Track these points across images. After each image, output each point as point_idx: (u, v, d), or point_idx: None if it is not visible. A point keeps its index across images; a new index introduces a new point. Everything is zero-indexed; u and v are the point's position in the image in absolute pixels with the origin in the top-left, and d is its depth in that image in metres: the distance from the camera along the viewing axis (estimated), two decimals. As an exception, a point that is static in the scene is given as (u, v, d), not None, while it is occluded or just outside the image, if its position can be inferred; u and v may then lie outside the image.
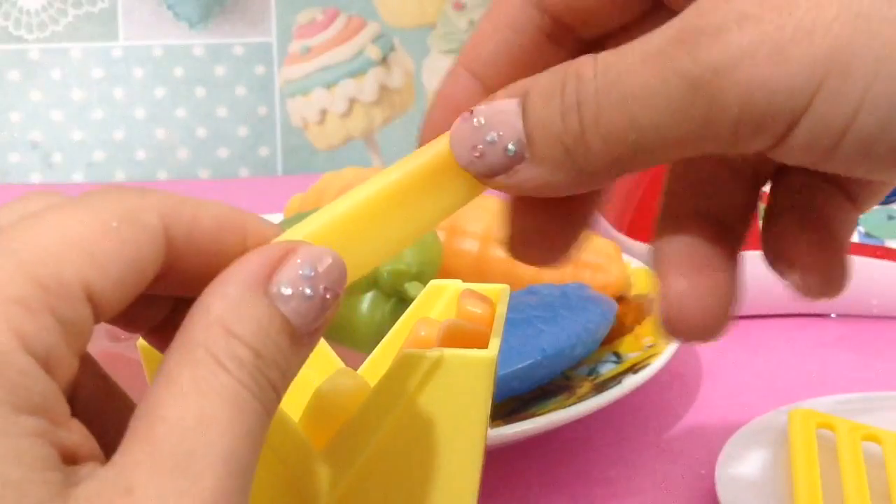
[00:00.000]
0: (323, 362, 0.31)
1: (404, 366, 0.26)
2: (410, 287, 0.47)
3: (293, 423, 0.27)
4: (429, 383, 0.26)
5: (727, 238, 0.24)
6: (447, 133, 0.23)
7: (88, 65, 0.89)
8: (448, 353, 0.26)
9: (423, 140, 0.25)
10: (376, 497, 0.28)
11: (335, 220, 0.25)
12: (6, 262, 0.19)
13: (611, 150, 0.21)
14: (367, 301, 0.47)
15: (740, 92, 0.19)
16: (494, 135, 0.22)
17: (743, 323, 0.56)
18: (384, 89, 0.91)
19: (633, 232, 0.56)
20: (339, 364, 0.31)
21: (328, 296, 0.21)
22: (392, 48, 0.91)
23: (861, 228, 0.54)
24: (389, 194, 0.25)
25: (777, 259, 0.24)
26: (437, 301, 0.32)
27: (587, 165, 0.21)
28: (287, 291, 0.20)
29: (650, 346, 0.47)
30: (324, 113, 0.91)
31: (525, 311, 0.46)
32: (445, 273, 0.53)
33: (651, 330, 0.49)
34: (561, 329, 0.45)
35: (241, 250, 0.21)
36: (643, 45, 0.20)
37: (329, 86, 0.91)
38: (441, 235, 0.53)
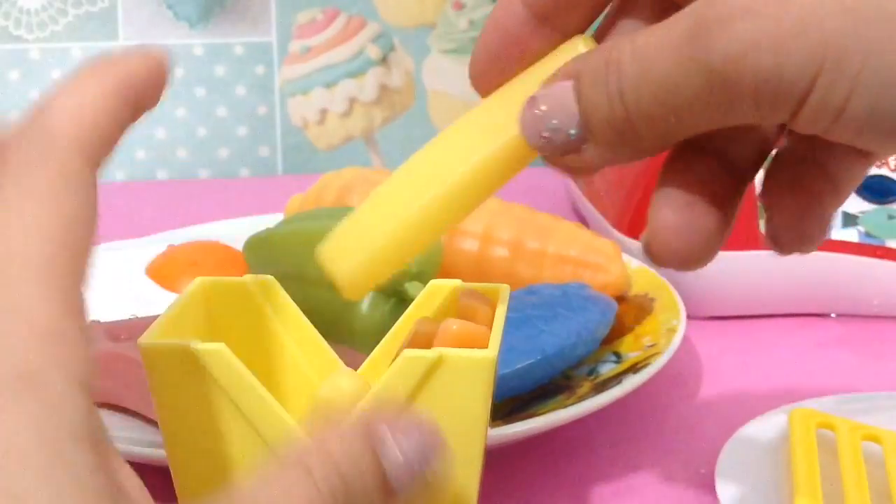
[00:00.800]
0: (322, 362, 0.31)
1: (404, 367, 0.26)
2: (410, 287, 0.47)
3: (293, 424, 0.27)
4: (429, 384, 0.26)
5: (730, 175, 0.26)
6: (514, 116, 0.25)
7: (88, 64, 0.89)
8: (448, 353, 0.26)
9: (475, 66, 0.27)
10: None
11: (420, 216, 0.27)
12: (37, 291, 0.19)
13: (656, 129, 0.23)
14: (366, 301, 0.47)
15: (752, 78, 0.21)
16: (556, 122, 0.24)
17: (743, 323, 0.56)
18: (384, 89, 0.91)
19: (633, 232, 0.56)
20: (339, 364, 0.31)
21: (427, 474, 0.23)
22: (392, 48, 0.91)
23: (861, 228, 0.54)
24: (470, 183, 0.26)
25: (768, 208, 0.26)
26: (436, 301, 0.32)
27: (640, 143, 0.23)
28: (398, 458, 0.22)
29: (650, 346, 0.47)
30: (324, 112, 0.91)
31: (525, 311, 0.46)
32: (446, 273, 0.53)
33: (651, 330, 0.49)
34: (561, 329, 0.45)
35: None
36: (666, 35, 0.22)
37: (329, 85, 0.91)
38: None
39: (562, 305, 0.47)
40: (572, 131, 0.24)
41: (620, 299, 0.52)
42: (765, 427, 0.41)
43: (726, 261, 0.54)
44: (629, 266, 0.54)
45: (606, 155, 0.24)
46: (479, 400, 0.27)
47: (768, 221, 0.26)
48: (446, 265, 0.52)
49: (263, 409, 0.27)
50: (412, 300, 0.48)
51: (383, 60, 0.91)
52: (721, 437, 0.41)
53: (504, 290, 0.30)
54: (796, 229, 0.26)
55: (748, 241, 0.54)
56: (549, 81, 0.24)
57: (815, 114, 0.22)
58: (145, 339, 0.27)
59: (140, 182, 0.88)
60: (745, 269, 0.54)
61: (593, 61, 0.24)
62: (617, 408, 0.46)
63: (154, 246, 0.59)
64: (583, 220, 0.66)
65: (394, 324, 0.49)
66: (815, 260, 0.53)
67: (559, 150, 0.24)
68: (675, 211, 0.25)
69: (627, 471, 0.42)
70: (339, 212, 0.53)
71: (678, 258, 0.26)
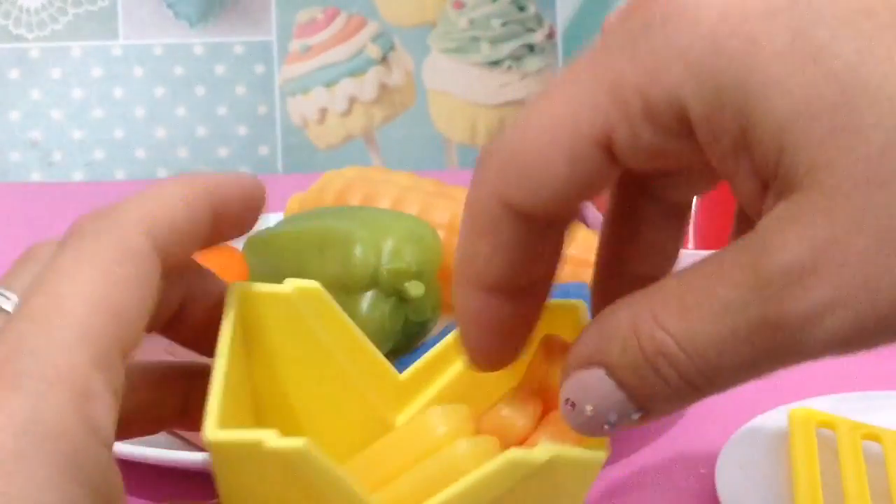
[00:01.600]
0: (375, 374, 0.29)
1: (506, 469, 0.23)
2: (410, 286, 0.47)
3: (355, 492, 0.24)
4: (533, 479, 0.24)
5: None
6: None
7: (88, 64, 0.89)
8: (561, 454, 0.23)
9: (478, 363, 0.25)
10: None
11: None
12: (59, 341, 0.21)
13: (725, 377, 0.21)
14: (367, 300, 0.47)
15: (823, 342, 0.20)
16: (614, 415, 0.22)
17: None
18: (384, 88, 0.91)
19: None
20: (393, 374, 0.29)
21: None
22: (392, 47, 0.91)
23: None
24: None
25: None
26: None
27: (711, 389, 0.22)
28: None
29: None
30: (324, 112, 0.91)
31: None
32: (445, 272, 0.53)
33: None
34: None
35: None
36: (720, 300, 0.20)
37: (329, 85, 0.91)
38: (441, 234, 0.53)
39: None
40: (634, 416, 0.22)
41: None
42: (765, 426, 0.41)
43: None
44: None
45: (683, 407, 0.22)
46: (582, 493, 0.25)
47: None
48: (446, 264, 0.52)
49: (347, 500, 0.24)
50: (412, 299, 0.48)
51: (383, 59, 0.91)
52: (721, 437, 0.41)
53: (583, 309, 0.28)
54: None
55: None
56: (571, 373, 0.22)
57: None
58: (212, 432, 0.23)
59: (140, 181, 0.88)
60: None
61: (622, 348, 0.21)
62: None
63: None
64: (582, 219, 0.66)
65: (394, 323, 0.49)
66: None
67: (632, 427, 0.22)
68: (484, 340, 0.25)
69: (627, 471, 0.42)
70: (340, 211, 0.53)
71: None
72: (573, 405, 0.22)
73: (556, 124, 0.22)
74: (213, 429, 0.23)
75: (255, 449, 0.23)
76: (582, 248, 0.54)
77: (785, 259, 0.19)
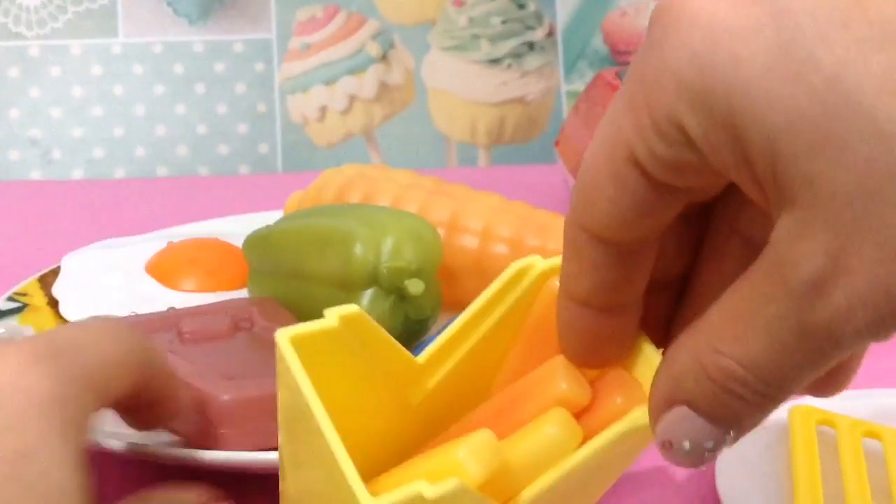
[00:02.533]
0: (419, 387, 0.29)
1: (632, 430, 0.25)
2: (410, 284, 0.47)
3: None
4: (618, 438, 0.26)
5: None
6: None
7: (88, 62, 0.89)
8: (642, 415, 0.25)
9: (578, 362, 0.27)
10: None
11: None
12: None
13: (797, 380, 0.23)
14: (366, 298, 0.47)
15: (855, 338, 0.21)
16: (710, 443, 0.24)
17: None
18: (384, 86, 0.91)
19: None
20: (414, 361, 0.29)
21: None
22: (392, 45, 0.91)
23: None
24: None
25: None
26: (521, 282, 0.30)
27: (782, 402, 0.23)
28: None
29: None
30: (323, 110, 0.91)
31: None
32: (445, 270, 0.53)
33: None
34: None
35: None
36: (764, 318, 0.22)
37: (329, 83, 0.91)
38: (441, 232, 0.53)
39: None
40: (728, 437, 0.24)
41: None
42: (765, 424, 0.41)
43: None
44: None
45: (768, 415, 0.24)
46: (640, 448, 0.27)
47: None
48: (446, 262, 0.52)
49: None
50: (412, 297, 0.48)
51: (383, 57, 0.91)
52: (721, 434, 0.41)
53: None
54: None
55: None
56: (658, 417, 0.24)
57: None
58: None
59: (140, 179, 0.88)
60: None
61: (697, 383, 0.23)
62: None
63: (153, 243, 0.59)
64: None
65: (394, 321, 0.49)
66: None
67: (730, 445, 0.24)
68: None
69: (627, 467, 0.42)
70: (339, 209, 0.53)
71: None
72: (671, 444, 0.24)
73: (601, 148, 0.23)
74: (369, 502, 0.23)
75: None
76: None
77: (806, 271, 0.21)
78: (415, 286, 0.48)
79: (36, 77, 0.89)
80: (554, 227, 0.54)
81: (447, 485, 0.23)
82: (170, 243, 0.59)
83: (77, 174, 0.89)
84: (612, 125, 0.23)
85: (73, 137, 0.89)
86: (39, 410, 0.26)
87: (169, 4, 0.89)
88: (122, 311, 0.51)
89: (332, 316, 0.27)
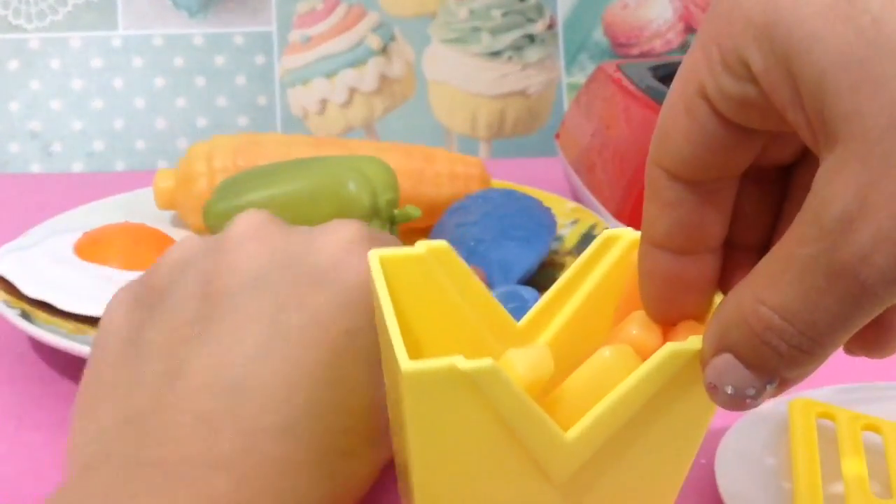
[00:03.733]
0: (502, 328, 0.31)
1: (668, 360, 0.26)
2: (410, 210, 0.53)
3: (567, 440, 0.27)
4: (684, 374, 0.27)
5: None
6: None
7: (88, 54, 0.89)
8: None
9: (654, 314, 0.28)
10: (610, 470, 0.28)
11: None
12: None
13: (836, 336, 0.23)
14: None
15: (880, 278, 0.22)
16: (751, 390, 0.25)
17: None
18: (384, 79, 0.91)
19: (633, 221, 0.56)
20: (517, 328, 0.31)
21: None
22: (392, 38, 0.91)
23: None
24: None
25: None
26: (610, 251, 0.31)
27: (831, 348, 0.24)
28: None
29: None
30: (324, 103, 0.91)
31: (503, 229, 0.52)
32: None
33: None
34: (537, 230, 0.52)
35: None
36: (798, 260, 0.22)
37: (329, 75, 0.91)
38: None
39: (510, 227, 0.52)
40: (769, 387, 0.24)
41: None
42: (764, 417, 0.41)
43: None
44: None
45: (809, 370, 0.24)
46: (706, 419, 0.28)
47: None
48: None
49: (536, 425, 0.26)
50: (403, 222, 0.53)
51: (384, 50, 0.91)
52: (721, 427, 0.41)
53: None
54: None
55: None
56: (707, 362, 0.25)
57: None
58: (405, 364, 0.25)
59: (140, 172, 0.88)
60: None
61: (741, 332, 0.24)
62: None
63: (66, 235, 0.57)
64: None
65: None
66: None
67: (773, 395, 0.25)
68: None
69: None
70: (295, 167, 0.55)
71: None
72: (715, 388, 0.25)
73: (677, 84, 0.25)
74: (405, 362, 0.25)
75: (447, 374, 0.25)
76: (455, 163, 0.62)
77: (836, 208, 0.21)
78: (413, 211, 0.53)
79: (36, 70, 0.89)
80: (437, 154, 0.62)
81: (482, 363, 0.25)
82: (85, 233, 0.57)
83: (77, 167, 0.89)
84: (687, 62, 0.24)
85: (74, 130, 0.89)
86: (360, 292, 0.32)
87: (169, -3, 0.89)
88: (86, 292, 0.51)
89: (422, 245, 0.30)
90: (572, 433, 0.27)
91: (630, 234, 0.31)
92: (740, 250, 0.28)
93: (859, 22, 0.21)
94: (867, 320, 0.23)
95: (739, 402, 0.25)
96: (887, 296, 0.22)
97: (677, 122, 0.25)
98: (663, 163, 0.25)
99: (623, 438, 0.27)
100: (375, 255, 0.29)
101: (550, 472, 0.27)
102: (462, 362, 0.25)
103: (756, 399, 0.24)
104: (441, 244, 0.30)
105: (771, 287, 0.23)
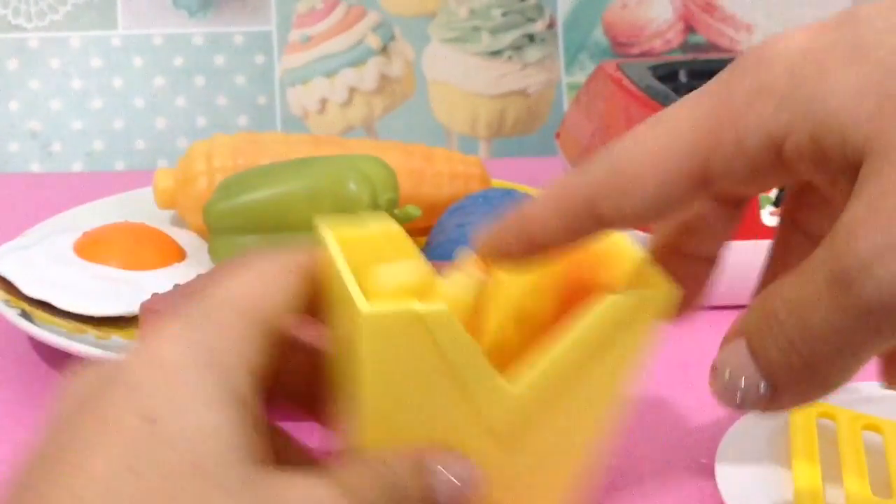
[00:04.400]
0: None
1: (609, 310, 0.28)
2: (411, 209, 0.53)
3: (512, 391, 0.28)
4: (626, 325, 0.28)
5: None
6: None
7: (88, 54, 0.89)
8: (650, 294, 0.28)
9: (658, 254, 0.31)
10: (550, 421, 0.29)
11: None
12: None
13: (837, 365, 0.23)
14: None
15: (880, 287, 0.22)
16: (744, 383, 0.25)
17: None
18: (384, 78, 0.91)
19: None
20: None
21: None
22: (392, 37, 0.91)
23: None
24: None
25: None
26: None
27: (828, 380, 0.24)
28: (448, 480, 0.28)
29: None
30: (324, 102, 0.91)
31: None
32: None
33: None
34: None
35: None
36: (810, 287, 0.23)
37: (329, 75, 0.90)
38: None
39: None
40: (761, 388, 0.24)
41: None
42: (765, 417, 0.41)
43: (727, 251, 0.54)
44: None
45: (798, 399, 0.24)
46: (650, 334, 0.29)
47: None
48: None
49: (481, 374, 0.28)
50: (405, 221, 0.53)
51: (383, 50, 0.91)
52: (721, 427, 0.41)
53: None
54: None
55: (750, 231, 0.53)
56: (723, 345, 0.26)
57: None
58: (364, 306, 0.27)
59: (139, 171, 0.88)
60: (744, 258, 0.54)
61: (755, 317, 0.25)
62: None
63: (67, 234, 0.57)
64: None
65: None
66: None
67: (759, 406, 0.25)
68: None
69: (627, 461, 0.42)
70: (295, 167, 0.55)
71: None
72: (715, 369, 0.25)
73: (655, 155, 0.26)
74: (364, 305, 0.26)
75: (404, 316, 0.27)
76: (455, 162, 0.62)
77: (846, 218, 0.22)
78: (413, 210, 0.53)
79: (35, 69, 0.89)
80: (437, 153, 0.62)
81: (437, 307, 0.27)
82: (84, 232, 0.57)
83: (77, 167, 0.89)
84: (674, 137, 0.26)
85: (73, 130, 0.89)
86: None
87: (169, -4, 0.89)
88: (84, 293, 0.51)
89: (416, 311, 0.29)
90: (517, 385, 0.29)
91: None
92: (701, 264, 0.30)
93: (876, 56, 0.23)
94: (874, 343, 0.23)
95: (731, 392, 0.25)
96: (887, 316, 0.22)
97: (641, 185, 0.26)
98: (599, 206, 0.27)
99: (562, 391, 0.29)
100: (327, 226, 0.31)
101: (493, 422, 0.29)
102: (418, 306, 0.27)
103: (745, 395, 0.25)
104: (440, 308, 0.29)
105: (790, 279, 0.24)
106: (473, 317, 0.29)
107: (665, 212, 0.26)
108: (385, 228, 0.32)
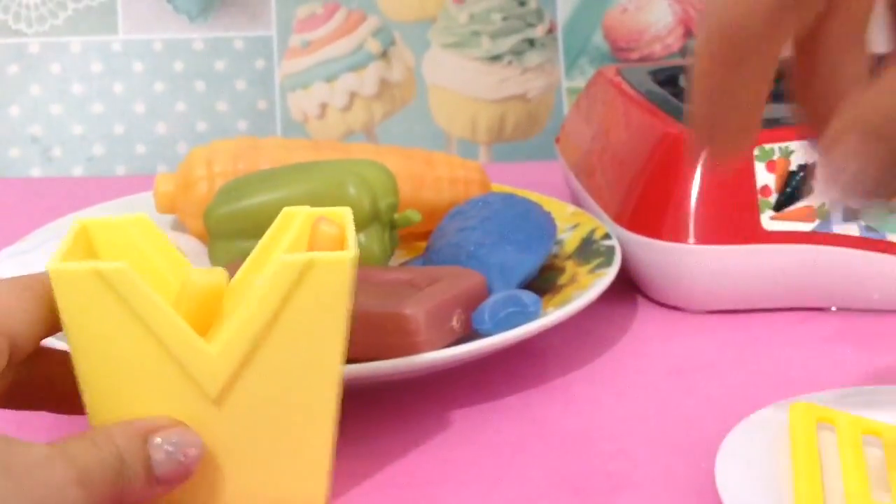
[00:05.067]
0: (176, 266, 0.36)
1: (280, 271, 0.31)
2: (411, 214, 0.54)
3: (196, 337, 0.31)
4: (302, 283, 0.31)
5: None
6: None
7: (88, 59, 0.89)
8: (317, 256, 0.31)
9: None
10: (259, 382, 0.32)
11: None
12: None
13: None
14: (366, 236, 0.52)
15: None
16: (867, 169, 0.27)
17: (743, 317, 0.56)
18: (384, 83, 0.91)
19: (633, 226, 0.56)
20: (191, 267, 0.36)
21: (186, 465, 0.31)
22: (392, 42, 0.91)
23: (862, 222, 0.54)
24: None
25: None
26: (290, 226, 0.37)
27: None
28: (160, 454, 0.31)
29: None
30: (324, 107, 0.91)
31: (503, 233, 0.53)
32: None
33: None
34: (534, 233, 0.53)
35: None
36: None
37: (329, 80, 0.91)
38: None
39: (520, 218, 0.53)
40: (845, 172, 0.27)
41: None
42: (765, 421, 0.41)
43: (726, 255, 0.54)
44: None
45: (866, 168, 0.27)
46: (343, 299, 0.31)
47: None
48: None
49: (166, 321, 0.30)
50: (402, 226, 0.54)
51: (383, 55, 0.91)
52: (721, 432, 0.41)
53: (347, 211, 0.36)
54: None
55: (748, 235, 0.53)
56: (829, 149, 0.27)
57: None
58: (53, 264, 0.30)
59: (140, 177, 0.88)
60: (744, 264, 0.54)
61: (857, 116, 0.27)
62: (616, 401, 0.46)
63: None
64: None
65: (388, 251, 0.56)
66: (816, 254, 0.53)
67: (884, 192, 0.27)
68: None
69: (627, 465, 0.42)
70: (295, 171, 0.55)
71: None
72: (831, 171, 0.27)
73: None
74: (54, 262, 0.30)
75: (87, 274, 0.29)
76: (455, 167, 0.63)
77: None
78: (413, 215, 0.53)
79: (36, 74, 0.89)
80: (437, 158, 0.63)
81: (117, 264, 0.30)
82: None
83: (77, 171, 0.89)
84: None
85: (74, 135, 0.89)
86: None
87: (169, 1, 0.89)
88: None
89: (125, 215, 0.35)
90: (215, 345, 0.31)
91: (306, 212, 0.36)
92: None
93: None
94: None
95: (859, 182, 0.26)
96: None
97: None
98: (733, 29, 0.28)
99: (259, 346, 0.31)
100: (77, 224, 0.35)
101: (201, 382, 0.31)
102: (100, 264, 0.30)
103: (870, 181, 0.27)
104: (141, 215, 0.36)
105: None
106: (217, 305, 0.33)
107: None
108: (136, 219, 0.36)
